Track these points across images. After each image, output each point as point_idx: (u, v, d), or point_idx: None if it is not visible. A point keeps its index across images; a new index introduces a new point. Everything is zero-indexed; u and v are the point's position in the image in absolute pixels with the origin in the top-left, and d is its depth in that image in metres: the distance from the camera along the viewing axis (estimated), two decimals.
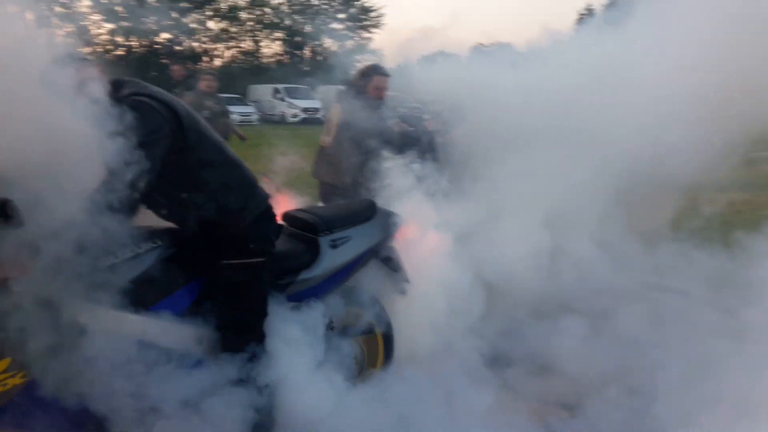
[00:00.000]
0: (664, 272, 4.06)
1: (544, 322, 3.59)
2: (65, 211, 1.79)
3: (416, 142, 4.15)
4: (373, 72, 4.30)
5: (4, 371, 1.78)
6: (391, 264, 3.15)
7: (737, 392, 2.43)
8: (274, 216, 2.65)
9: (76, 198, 1.84)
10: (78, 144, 1.87)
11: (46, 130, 1.77)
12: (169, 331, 2.21)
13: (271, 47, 42.35)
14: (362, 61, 5.38)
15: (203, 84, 6.83)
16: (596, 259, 3.90)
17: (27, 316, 1.74)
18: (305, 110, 27.49)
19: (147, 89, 2.24)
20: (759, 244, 3.05)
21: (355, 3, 41.21)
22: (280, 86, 29.45)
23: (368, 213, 3.08)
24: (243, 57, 40.99)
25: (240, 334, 2.43)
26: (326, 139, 4.27)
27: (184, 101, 2.45)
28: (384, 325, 3.06)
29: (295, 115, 27.56)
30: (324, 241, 2.84)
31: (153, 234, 2.29)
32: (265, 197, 2.60)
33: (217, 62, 38.51)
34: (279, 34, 41.17)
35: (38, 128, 1.75)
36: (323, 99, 29.02)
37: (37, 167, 1.76)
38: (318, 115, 25.55)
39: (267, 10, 40.50)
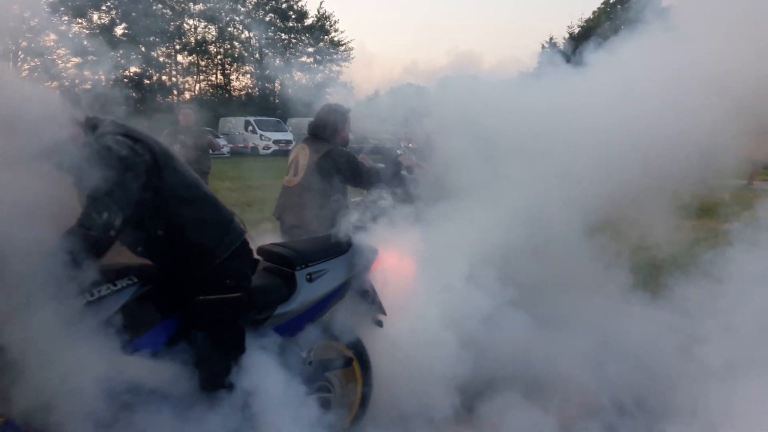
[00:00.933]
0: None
1: None
2: (39, 250, 1.79)
3: (388, 177, 4.15)
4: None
5: None
6: (367, 296, 3.17)
7: None
8: (249, 251, 2.66)
9: (50, 237, 1.84)
10: (52, 183, 1.88)
11: (20, 170, 1.78)
12: (146, 368, 2.19)
13: (241, 80, 42.53)
14: (332, 94, 5.46)
15: (182, 118, 6.81)
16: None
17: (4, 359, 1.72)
18: (276, 142, 27.59)
19: (122, 128, 2.25)
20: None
21: (324, 37, 41.77)
22: (251, 119, 29.52)
23: (343, 246, 3.11)
24: (213, 90, 41.03)
25: (218, 370, 2.42)
26: (293, 179, 4.23)
27: (163, 136, 2.49)
28: (362, 358, 3.07)
29: (266, 147, 27.61)
30: (300, 274, 2.86)
31: (128, 270, 2.28)
32: (241, 233, 2.61)
33: (187, 95, 38.47)
34: (248, 68, 41.40)
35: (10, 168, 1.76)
36: (294, 131, 29.20)
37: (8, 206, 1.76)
38: (289, 147, 25.66)
39: (236, 43, 40.78)
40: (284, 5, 41.72)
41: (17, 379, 1.75)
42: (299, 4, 42.07)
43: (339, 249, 3.08)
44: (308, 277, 2.88)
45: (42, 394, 1.82)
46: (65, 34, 2.31)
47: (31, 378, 1.78)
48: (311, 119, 4.67)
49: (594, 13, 40.21)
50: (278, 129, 29.45)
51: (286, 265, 2.89)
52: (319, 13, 42.16)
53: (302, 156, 4.17)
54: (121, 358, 2.11)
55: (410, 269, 3.42)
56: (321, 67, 40.91)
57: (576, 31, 40.65)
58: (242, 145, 28.23)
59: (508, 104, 4.00)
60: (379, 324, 3.20)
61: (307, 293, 2.85)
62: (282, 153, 25.66)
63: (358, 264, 3.12)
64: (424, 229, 3.50)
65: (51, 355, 1.83)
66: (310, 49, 42.03)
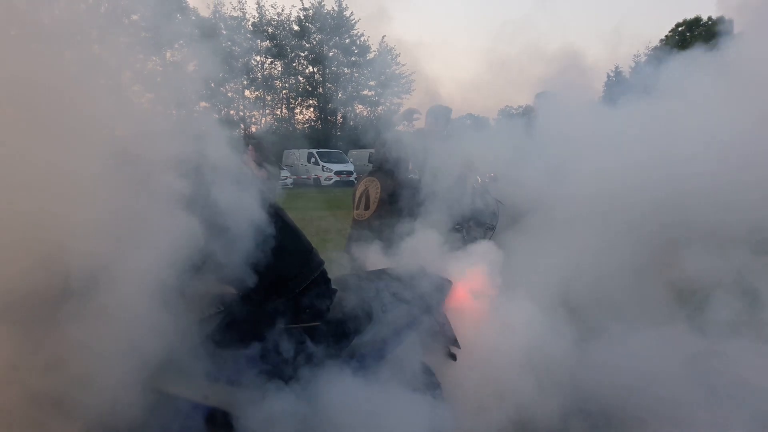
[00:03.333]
0: None
1: None
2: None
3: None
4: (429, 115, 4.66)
5: None
6: (441, 329, 3.14)
7: None
8: (328, 281, 2.69)
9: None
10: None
11: None
12: (229, 393, 2.23)
13: (305, 113, 43.76)
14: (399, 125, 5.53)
15: (251, 153, 7.03)
16: None
17: None
18: (338, 173, 28.10)
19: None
20: None
21: (386, 71, 42.50)
22: (314, 150, 30.22)
23: (419, 278, 3.10)
24: (278, 123, 42.33)
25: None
26: (364, 213, 4.20)
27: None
28: (434, 392, 3.02)
29: (328, 179, 28.14)
30: (376, 305, 2.86)
31: (216, 299, 2.34)
32: (320, 263, 2.64)
33: (253, 128, 39.80)
34: (312, 101, 42.58)
35: None
36: (355, 162, 29.65)
37: None
38: (351, 178, 26.08)
39: (300, 78, 42.09)
40: (347, 40, 42.83)
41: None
42: (362, 39, 43.11)
43: (414, 281, 3.07)
44: (383, 307, 2.88)
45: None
46: (140, 71, 2.43)
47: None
48: (372, 150, 4.75)
49: (662, 41, 39.32)
50: (340, 160, 30.03)
51: (361, 295, 2.90)
52: (380, 47, 43.02)
53: (372, 189, 4.19)
54: (206, 384, 2.16)
55: (484, 302, 3.37)
56: (382, 100, 41.59)
57: (643, 60, 39.76)
58: (305, 177, 28.89)
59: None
60: (453, 357, 3.15)
61: (382, 324, 2.84)
62: (343, 184, 26.08)
63: (433, 296, 3.10)
64: (499, 262, 3.46)
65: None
66: (372, 83, 42.86)
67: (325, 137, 37.42)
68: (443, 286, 3.17)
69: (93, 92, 1.91)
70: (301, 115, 44.00)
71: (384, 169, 4.28)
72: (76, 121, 1.80)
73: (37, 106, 1.71)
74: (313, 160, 29.87)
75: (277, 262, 2.43)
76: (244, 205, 2.29)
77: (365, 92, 43.39)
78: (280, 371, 2.36)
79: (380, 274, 3.22)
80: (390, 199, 4.05)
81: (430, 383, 2.94)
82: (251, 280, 2.41)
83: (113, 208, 1.81)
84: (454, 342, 3.16)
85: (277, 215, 2.50)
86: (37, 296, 1.72)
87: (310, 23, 42.46)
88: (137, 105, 2.19)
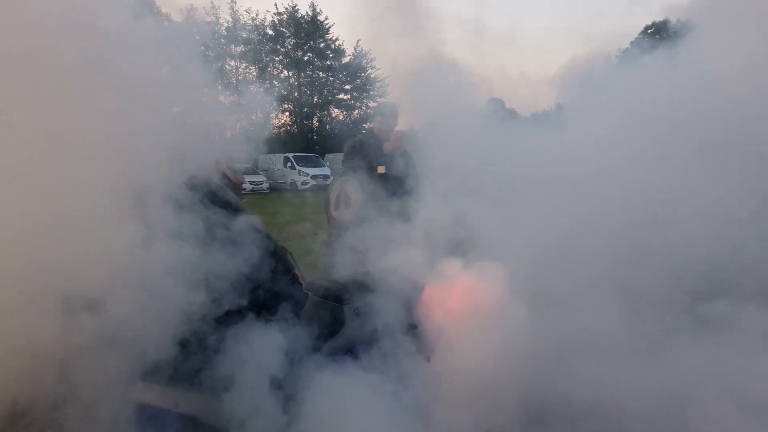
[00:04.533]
0: None
1: None
2: None
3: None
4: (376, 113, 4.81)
5: None
6: (415, 331, 3.14)
7: None
8: (300, 284, 2.68)
9: None
10: None
11: None
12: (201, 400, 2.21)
13: (280, 118, 43.57)
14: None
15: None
16: None
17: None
18: (314, 177, 28.04)
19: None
20: None
21: (361, 75, 42.58)
22: (290, 155, 30.10)
23: (390, 280, 3.10)
24: (253, 128, 42.04)
25: None
26: (342, 214, 4.23)
27: None
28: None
29: (305, 183, 28.06)
30: (348, 309, 2.85)
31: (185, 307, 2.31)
32: (291, 266, 2.64)
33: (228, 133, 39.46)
34: (288, 105, 42.43)
35: None
36: (332, 166, 29.62)
37: None
38: (327, 182, 26.03)
39: (275, 83, 41.94)
40: (322, 44, 42.81)
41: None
42: (336, 43, 43.13)
43: (386, 283, 3.07)
44: (356, 311, 2.87)
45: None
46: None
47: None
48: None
49: (632, 43, 39.97)
50: (316, 164, 29.97)
51: (334, 299, 2.89)
52: (355, 51, 43.09)
53: (351, 189, 4.21)
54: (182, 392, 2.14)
55: (458, 302, 3.38)
56: (358, 104, 41.64)
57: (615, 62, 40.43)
58: (281, 181, 28.76)
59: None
60: (428, 359, 3.15)
61: (355, 328, 2.84)
62: (320, 188, 26.03)
63: (406, 298, 3.10)
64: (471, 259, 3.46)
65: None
66: (348, 86, 42.91)
67: (302, 141, 37.32)
68: (416, 288, 3.17)
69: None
70: (277, 120, 43.83)
71: (360, 168, 4.31)
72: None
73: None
74: (289, 164, 29.76)
75: (247, 268, 2.42)
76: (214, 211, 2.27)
77: (341, 96, 43.46)
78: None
79: (354, 276, 3.22)
80: (370, 197, 4.08)
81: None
82: (221, 286, 2.39)
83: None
84: (428, 344, 3.16)
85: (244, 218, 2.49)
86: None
87: (284, 27, 42.32)
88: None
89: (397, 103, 5.12)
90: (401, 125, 4.98)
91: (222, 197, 2.40)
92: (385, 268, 3.15)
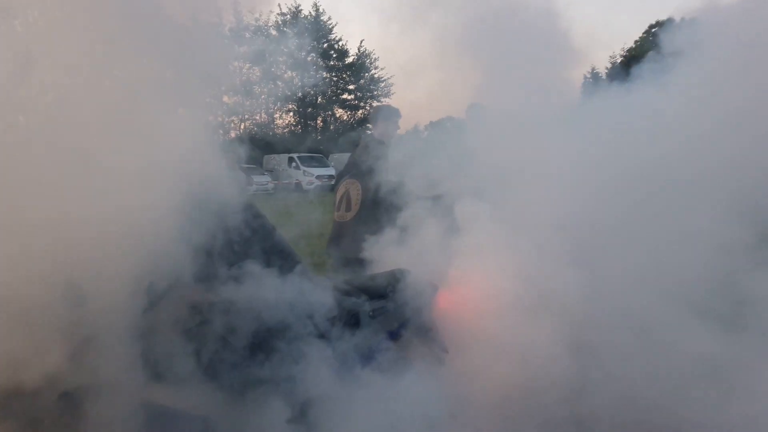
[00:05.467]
0: None
1: None
2: None
3: None
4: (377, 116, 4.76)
5: None
6: (428, 333, 3.10)
7: None
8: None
9: None
10: None
11: None
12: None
13: (284, 118, 43.54)
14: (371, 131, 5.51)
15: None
16: None
17: None
18: (319, 177, 28.00)
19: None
20: None
21: (365, 75, 42.56)
22: (295, 155, 30.07)
23: (404, 282, 3.06)
24: (258, 128, 42.08)
25: None
26: (345, 215, 4.20)
27: None
28: None
29: (310, 183, 28.04)
30: (363, 311, 2.82)
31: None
32: (297, 262, 2.62)
33: (233, 134, 39.55)
34: (292, 106, 42.43)
35: None
36: (336, 166, 29.61)
37: None
38: (332, 182, 26.00)
39: (279, 83, 41.93)
40: (325, 45, 42.81)
41: None
42: (340, 43, 43.12)
43: (400, 285, 3.04)
44: (371, 314, 2.84)
45: None
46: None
47: None
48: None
49: (636, 42, 39.86)
50: (321, 164, 29.93)
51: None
52: (359, 51, 43.07)
53: (353, 191, 4.17)
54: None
55: (470, 304, 3.34)
56: (362, 104, 41.64)
57: (618, 60, 40.34)
58: (286, 181, 28.75)
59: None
60: (442, 361, 3.11)
61: (369, 330, 2.80)
62: (325, 188, 26.00)
63: (420, 300, 3.06)
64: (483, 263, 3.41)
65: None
66: (351, 87, 42.89)
67: (306, 141, 37.33)
68: (429, 291, 3.13)
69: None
70: (281, 120, 43.80)
71: (364, 171, 4.26)
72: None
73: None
74: (294, 164, 29.73)
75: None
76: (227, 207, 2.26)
77: (345, 96, 43.44)
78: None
79: (368, 278, 3.18)
80: (371, 200, 4.03)
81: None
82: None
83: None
84: (442, 346, 3.13)
85: (256, 216, 2.49)
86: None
87: (287, 28, 42.33)
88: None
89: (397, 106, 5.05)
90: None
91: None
92: (399, 270, 3.11)
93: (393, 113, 4.85)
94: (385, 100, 40.90)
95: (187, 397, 2.07)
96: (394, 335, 2.96)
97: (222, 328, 2.15)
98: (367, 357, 2.78)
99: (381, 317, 2.87)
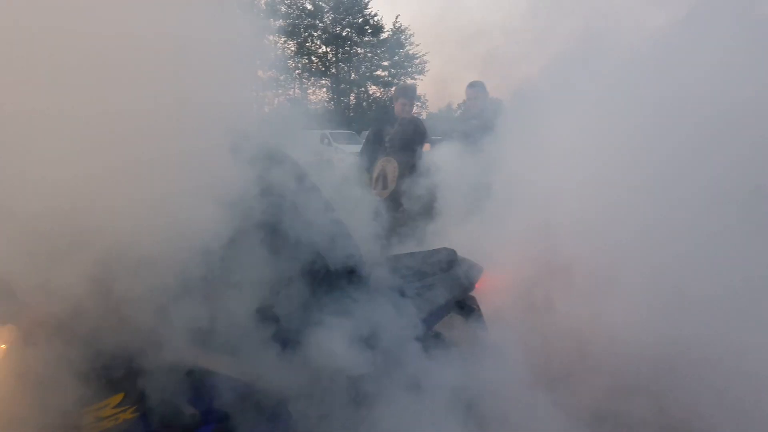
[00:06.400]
0: None
1: None
2: None
3: None
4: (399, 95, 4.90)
5: (118, 405, 1.80)
6: (471, 314, 3.11)
7: None
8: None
9: None
10: None
11: None
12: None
13: (318, 94, 43.52)
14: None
15: None
16: None
17: (143, 352, 1.77)
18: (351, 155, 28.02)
19: None
20: None
21: (399, 51, 42.13)
22: (327, 131, 30.08)
23: (449, 262, 3.07)
24: (291, 104, 42.15)
25: None
26: (383, 192, 4.22)
27: None
28: None
29: (342, 160, 28.04)
30: (409, 290, 2.83)
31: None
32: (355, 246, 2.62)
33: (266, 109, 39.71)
34: (325, 81, 42.35)
35: None
36: None
37: None
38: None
39: (313, 58, 41.85)
40: (360, 20, 42.44)
41: (152, 375, 1.79)
42: (375, 18, 42.68)
43: (445, 265, 3.04)
44: (417, 292, 2.85)
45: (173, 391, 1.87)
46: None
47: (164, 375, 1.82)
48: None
49: None
50: (352, 141, 29.90)
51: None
52: (394, 27, 42.60)
53: (390, 169, 4.20)
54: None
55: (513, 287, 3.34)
56: (396, 80, 41.32)
57: None
58: (318, 158, 28.84)
59: None
60: (483, 343, 3.12)
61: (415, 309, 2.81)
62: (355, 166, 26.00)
63: (464, 281, 3.07)
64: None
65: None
66: (386, 63, 42.54)
67: (339, 118, 37.30)
68: (474, 272, 3.13)
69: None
70: (314, 96, 43.79)
71: (398, 147, 4.29)
72: None
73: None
74: (326, 141, 29.77)
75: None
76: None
77: (378, 72, 43.14)
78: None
79: (412, 257, 3.19)
80: (408, 178, 4.05)
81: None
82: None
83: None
84: (485, 327, 3.14)
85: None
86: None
87: (323, 2, 42.05)
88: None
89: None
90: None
91: None
92: (444, 249, 3.12)
93: (410, 90, 4.91)
94: (420, 78, 40.53)
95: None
96: (438, 314, 2.97)
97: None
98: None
99: (426, 295, 2.88)
